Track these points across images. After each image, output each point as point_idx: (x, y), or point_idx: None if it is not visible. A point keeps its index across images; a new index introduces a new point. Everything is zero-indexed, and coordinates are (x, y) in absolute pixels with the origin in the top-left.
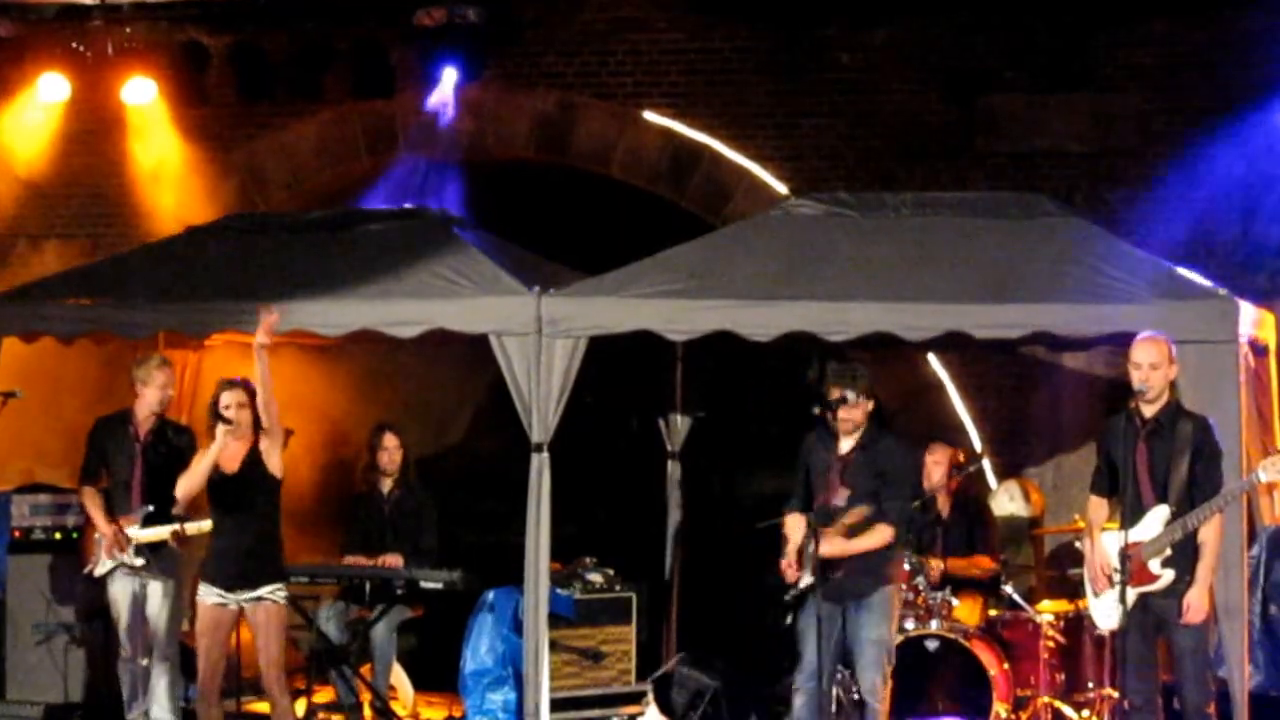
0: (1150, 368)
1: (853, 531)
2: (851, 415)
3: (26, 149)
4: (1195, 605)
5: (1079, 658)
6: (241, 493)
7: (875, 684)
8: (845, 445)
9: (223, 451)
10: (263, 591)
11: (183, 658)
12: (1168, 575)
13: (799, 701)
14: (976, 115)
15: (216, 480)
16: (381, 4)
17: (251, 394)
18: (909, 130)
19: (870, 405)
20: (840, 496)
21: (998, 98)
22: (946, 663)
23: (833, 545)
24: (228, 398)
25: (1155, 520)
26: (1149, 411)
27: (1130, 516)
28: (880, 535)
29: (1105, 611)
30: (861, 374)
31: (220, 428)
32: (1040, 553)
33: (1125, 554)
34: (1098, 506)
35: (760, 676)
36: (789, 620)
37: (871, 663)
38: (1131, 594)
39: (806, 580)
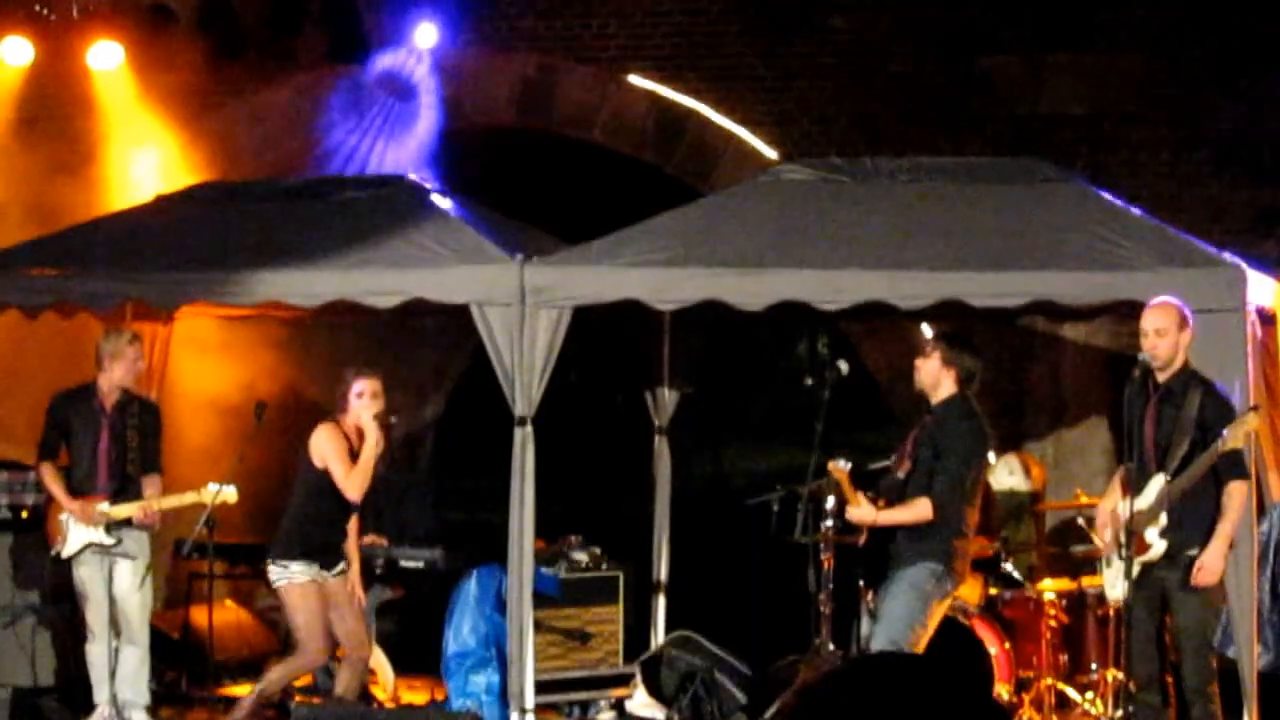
0: (1156, 334)
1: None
2: (917, 367)
3: None
4: (1206, 566)
5: (1082, 637)
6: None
7: None
8: (930, 414)
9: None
10: (340, 566)
11: (153, 640)
12: (1160, 545)
13: None
14: (973, 77)
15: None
16: None
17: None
18: (903, 93)
19: (938, 365)
20: (903, 469)
21: (995, 59)
22: (946, 642)
23: (861, 513)
24: (367, 385)
25: (1153, 489)
26: (1161, 378)
27: (1137, 485)
28: (915, 510)
29: (1111, 582)
30: (951, 336)
31: (368, 421)
32: (1041, 529)
33: (1130, 525)
34: (1125, 474)
35: (751, 657)
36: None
37: (881, 638)
38: (1135, 566)
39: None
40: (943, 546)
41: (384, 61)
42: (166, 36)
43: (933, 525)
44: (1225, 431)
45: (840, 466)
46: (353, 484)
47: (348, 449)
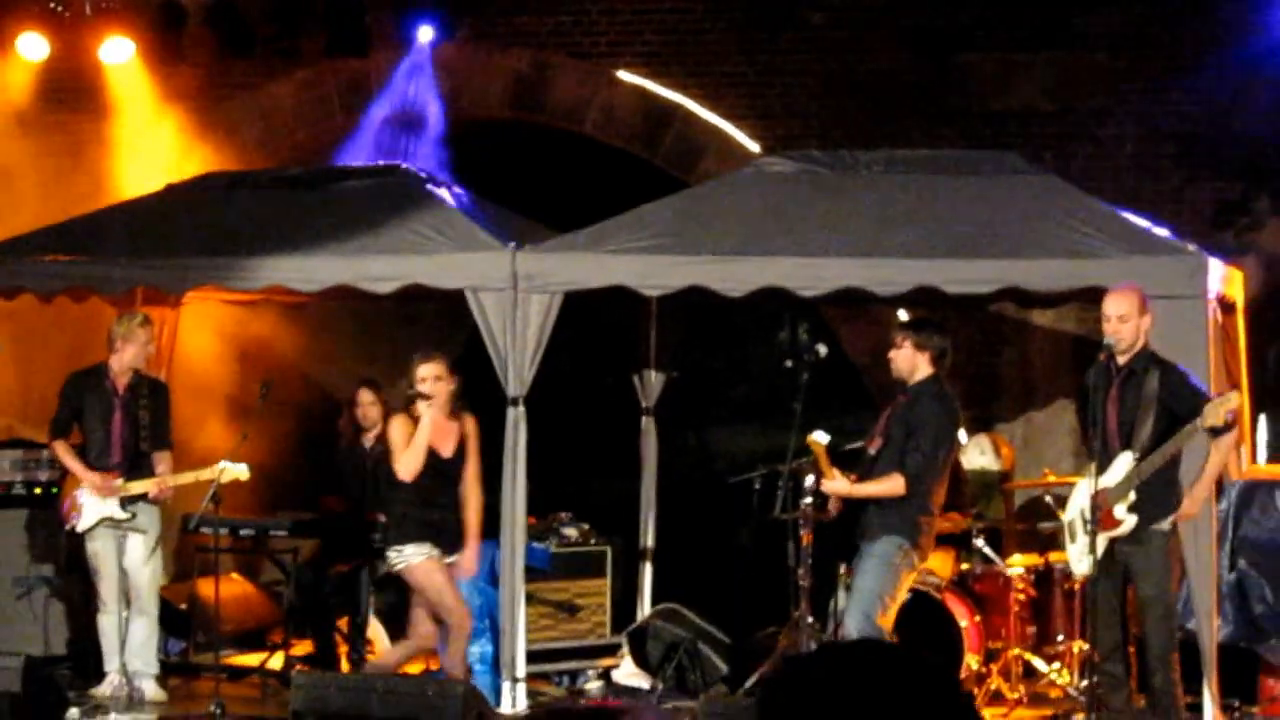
0: (1119, 319)
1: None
2: (892, 357)
3: (5, 107)
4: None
5: (1049, 610)
6: (456, 472)
7: (853, 636)
8: (904, 394)
9: (435, 429)
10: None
11: (163, 612)
12: (1130, 520)
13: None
14: (948, 74)
15: (433, 462)
16: None
17: (449, 367)
18: (881, 89)
19: (911, 351)
20: (875, 445)
21: (969, 56)
22: (918, 615)
23: (836, 485)
24: (424, 370)
25: (1121, 466)
26: (1122, 360)
27: (1101, 463)
28: (889, 484)
29: (1077, 558)
30: (917, 322)
31: (421, 404)
32: (1010, 507)
33: (1095, 501)
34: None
35: (733, 629)
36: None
37: (853, 610)
38: (1100, 541)
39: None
40: (910, 521)
41: (395, 93)
42: (176, 33)
43: (902, 500)
44: (1205, 408)
45: (818, 439)
46: (401, 465)
47: (410, 435)
